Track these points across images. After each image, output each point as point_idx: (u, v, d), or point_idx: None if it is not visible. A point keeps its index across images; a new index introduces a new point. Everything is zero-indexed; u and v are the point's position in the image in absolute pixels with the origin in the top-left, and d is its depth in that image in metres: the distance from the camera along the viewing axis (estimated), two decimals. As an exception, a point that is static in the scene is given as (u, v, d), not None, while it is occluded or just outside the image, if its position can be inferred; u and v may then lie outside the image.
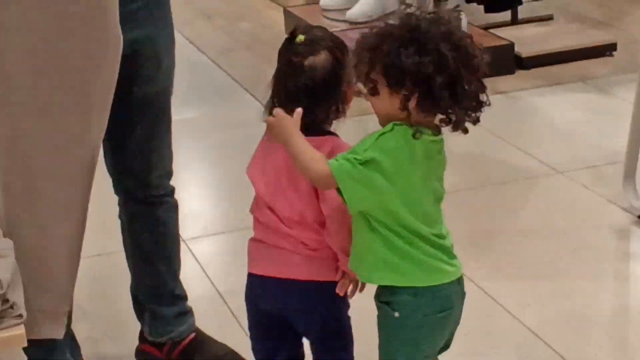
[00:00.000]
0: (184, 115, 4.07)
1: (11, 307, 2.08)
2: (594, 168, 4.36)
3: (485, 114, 4.94)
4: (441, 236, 2.43)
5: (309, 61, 2.41)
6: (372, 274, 2.48)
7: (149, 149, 3.03)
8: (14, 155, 2.61)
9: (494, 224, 4.04)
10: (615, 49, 5.49)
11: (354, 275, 2.50)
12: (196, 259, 3.76)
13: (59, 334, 2.73)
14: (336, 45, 2.46)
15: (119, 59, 2.53)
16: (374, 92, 2.32)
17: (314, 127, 2.42)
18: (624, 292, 3.55)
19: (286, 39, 2.46)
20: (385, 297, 2.47)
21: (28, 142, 2.63)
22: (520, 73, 5.56)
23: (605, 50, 5.65)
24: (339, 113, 2.44)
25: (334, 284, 2.54)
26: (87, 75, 2.52)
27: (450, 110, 2.31)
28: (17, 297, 2.13)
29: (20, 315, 2.08)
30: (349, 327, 2.66)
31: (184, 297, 3.25)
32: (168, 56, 2.98)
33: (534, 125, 5.09)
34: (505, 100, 5.20)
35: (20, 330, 2.09)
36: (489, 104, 2.34)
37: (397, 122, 2.31)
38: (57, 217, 2.61)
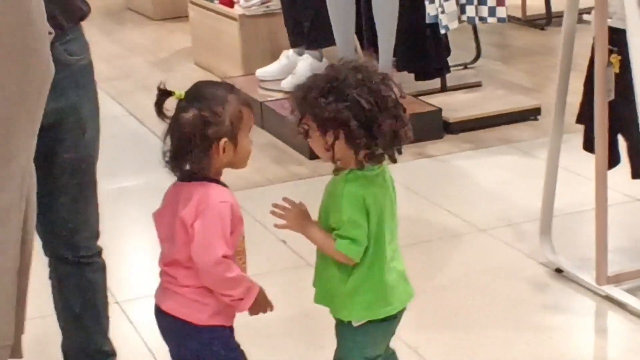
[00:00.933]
0: (123, 183, 4.12)
1: None
2: (514, 225, 4.44)
3: (413, 177, 5.13)
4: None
5: (184, 116, 2.60)
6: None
7: (75, 212, 3.05)
8: None
9: (417, 279, 3.95)
10: (539, 114, 5.64)
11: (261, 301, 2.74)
12: (130, 321, 3.78)
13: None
14: (209, 105, 2.61)
15: (47, 90, 2.39)
16: (306, 136, 2.63)
17: (195, 175, 2.62)
18: (538, 341, 3.52)
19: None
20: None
21: None
22: (448, 137, 5.62)
23: (530, 114, 5.75)
24: (211, 167, 2.61)
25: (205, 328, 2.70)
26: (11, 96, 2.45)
27: (371, 147, 2.57)
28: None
29: None
30: None
31: (112, 354, 3.27)
32: (92, 125, 3.02)
33: (460, 186, 5.15)
34: (433, 163, 5.30)
35: None
36: (410, 138, 2.61)
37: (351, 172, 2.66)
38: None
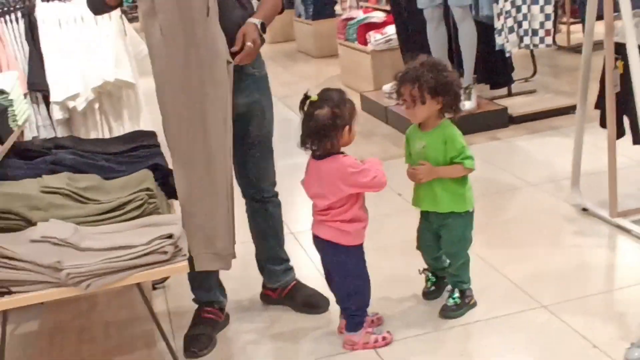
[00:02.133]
0: (294, 160, 4.19)
1: (180, 250, 2.38)
2: (556, 181, 4.42)
3: (488, 152, 5.16)
4: None
5: (318, 112, 2.68)
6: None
7: (260, 168, 3.11)
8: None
9: (488, 216, 4.01)
10: (575, 109, 5.40)
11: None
12: (300, 245, 3.85)
13: (227, 268, 2.81)
14: (336, 104, 2.70)
15: (225, 74, 2.64)
16: (413, 104, 2.79)
17: (327, 152, 2.71)
18: (570, 254, 3.51)
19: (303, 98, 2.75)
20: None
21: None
22: (512, 127, 5.56)
23: (568, 110, 5.46)
24: (335, 145, 2.69)
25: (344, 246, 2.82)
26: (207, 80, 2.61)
27: (451, 106, 2.85)
28: (183, 245, 2.42)
29: (185, 255, 2.39)
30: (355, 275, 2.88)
31: (287, 260, 3.33)
32: (269, 114, 3.08)
33: (520, 158, 5.10)
34: (502, 144, 5.29)
35: (184, 263, 2.38)
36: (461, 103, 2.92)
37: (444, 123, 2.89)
38: (220, 188, 2.67)
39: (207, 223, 2.70)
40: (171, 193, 2.75)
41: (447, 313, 2.98)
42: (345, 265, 2.87)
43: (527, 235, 3.78)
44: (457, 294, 2.99)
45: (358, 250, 2.87)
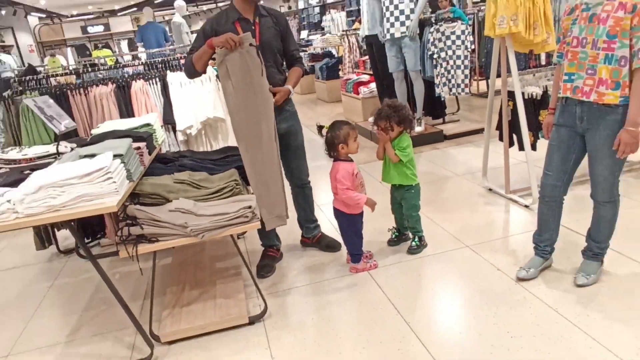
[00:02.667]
0: (318, 162, 4.17)
1: (255, 215, 2.34)
2: (474, 173, 4.31)
3: (431, 157, 4.89)
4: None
5: (328, 135, 2.73)
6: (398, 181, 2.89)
7: (299, 165, 3.03)
8: (255, 144, 2.60)
9: (434, 194, 3.93)
10: (483, 130, 5.18)
11: (370, 203, 2.74)
12: (324, 213, 3.74)
13: (284, 224, 2.77)
14: (334, 131, 2.72)
15: (272, 106, 2.58)
16: (386, 132, 2.79)
17: (335, 158, 2.75)
18: (480, 217, 3.45)
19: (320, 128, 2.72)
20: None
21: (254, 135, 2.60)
22: (446, 142, 5.39)
23: (479, 131, 5.34)
24: (339, 154, 2.72)
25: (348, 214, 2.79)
26: (261, 109, 2.55)
27: (407, 128, 2.82)
28: (257, 212, 2.38)
29: (258, 218, 2.36)
30: (353, 233, 2.85)
31: (316, 220, 3.26)
32: (300, 133, 2.98)
33: (451, 159, 4.81)
34: (439, 152, 5.07)
35: (257, 223, 2.33)
36: (413, 127, 2.77)
37: (400, 136, 2.82)
38: (274, 177, 2.63)
39: (270, 199, 2.69)
40: (248, 182, 2.76)
41: (411, 251, 2.99)
42: (348, 225, 2.87)
43: (456, 205, 3.73)
44: (416, 239, 3.01)
45: (357, 217, 2.85)
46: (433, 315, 2.37)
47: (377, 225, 3.37)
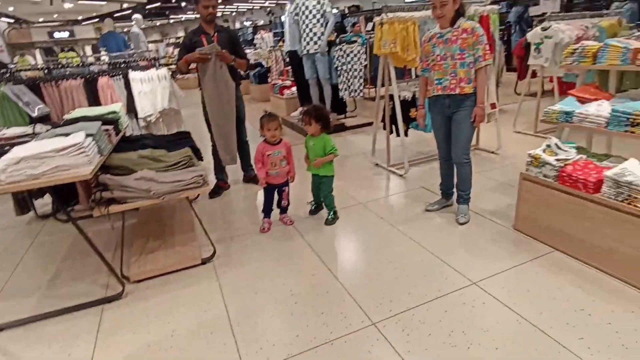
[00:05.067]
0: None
1: (206, 182, 2.28)
2: (366, 154, 4.24)
3: (337, 143, 4.66)
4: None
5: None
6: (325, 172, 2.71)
7: (242, 128, 3.28)
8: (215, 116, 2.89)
9: (340, 168, 3.70)
10: (372, 123, 5.18)
11: (260, 181, 2.57)
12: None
13: (234, 163, 3.04)
14: (260, 119, 2.59)
15: (233, 91, 2.95)
16: (308, 124, 2.60)
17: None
18: (374, 186, 3.41)
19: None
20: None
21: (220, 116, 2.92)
22: (347, 131, 5.28)
23: (370, 123, 5.24)
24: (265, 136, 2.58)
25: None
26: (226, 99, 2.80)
27: (326, 127, 2.64)
28: (207, 179, 2.30)
29: (207, 183, 2.27)
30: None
31: (252, 166, 3.47)
32: (244, 109, 3.16)
33: (350, 144, 4.64)
34: (342, 138, 4.89)
35: (207, 188, 2.23)
36: (331, 127, 2.64)
37: (323, 134, 2.63)
38: (230, 134, 2.88)
39: (227, 146, 3.07)
40: (199, 157, 2.68)
41: (327, 223, 2.79)
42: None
43: (353, 175, 3.70)
44: (332, 214, 2.83)
45: (265, 187, 2.66)
46: (338, 251, 2.43)
47: (302, 198, 3.19)
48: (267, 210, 2.75)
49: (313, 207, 2.96)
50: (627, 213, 1.85)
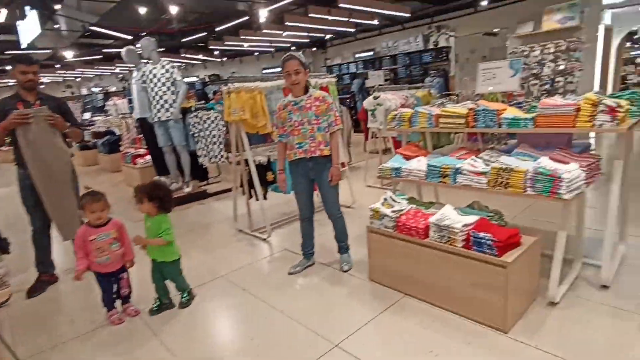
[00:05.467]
0: None
1: (5, 283, 1.89)
2: (228, 220, 4.07)
3: (199, 211, 4.42)
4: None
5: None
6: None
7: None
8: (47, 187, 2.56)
9: (199, 237, 3.64)
10: (232, 190, 5.32)
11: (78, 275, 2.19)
12: None
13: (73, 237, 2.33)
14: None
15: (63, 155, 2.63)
16: (141, 203, 2.31)
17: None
18: (237, 250, 3.34)
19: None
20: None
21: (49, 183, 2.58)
22: (209, 198, 5.09)
23: (230, 190, 5.27)
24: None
25: None
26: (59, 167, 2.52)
27: (163, 207, 2.35)
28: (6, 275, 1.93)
29: (8, 286, 1.91)
30: None
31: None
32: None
33: (211, 212, 4.52)
34: (205, 206, 4.72)
35: (5, 291, 1.85)
36: (170, 209, 2.36)
37: (160, 215, 2.35)
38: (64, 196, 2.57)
39: (64, 217, 2.68)
40: (3, 248, 2.15)
41: (181, 306, 2.49)
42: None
43: (216, 245, 3.55)
44: (185, 294, 2.55)
45: (98, 276, 2.34)
46: (194, 340, 2.21)
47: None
48: (108, 301, 2.40)
49: (155, 307, 2.48)
50: (451, 253, 2.09)
